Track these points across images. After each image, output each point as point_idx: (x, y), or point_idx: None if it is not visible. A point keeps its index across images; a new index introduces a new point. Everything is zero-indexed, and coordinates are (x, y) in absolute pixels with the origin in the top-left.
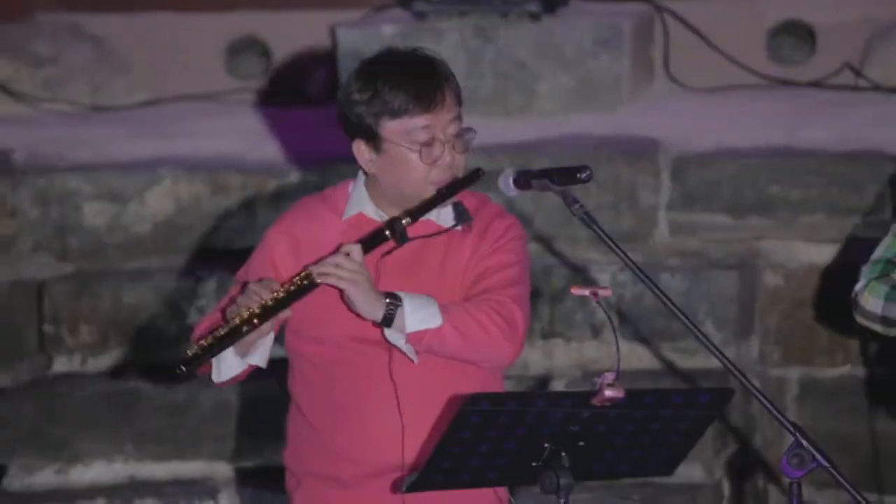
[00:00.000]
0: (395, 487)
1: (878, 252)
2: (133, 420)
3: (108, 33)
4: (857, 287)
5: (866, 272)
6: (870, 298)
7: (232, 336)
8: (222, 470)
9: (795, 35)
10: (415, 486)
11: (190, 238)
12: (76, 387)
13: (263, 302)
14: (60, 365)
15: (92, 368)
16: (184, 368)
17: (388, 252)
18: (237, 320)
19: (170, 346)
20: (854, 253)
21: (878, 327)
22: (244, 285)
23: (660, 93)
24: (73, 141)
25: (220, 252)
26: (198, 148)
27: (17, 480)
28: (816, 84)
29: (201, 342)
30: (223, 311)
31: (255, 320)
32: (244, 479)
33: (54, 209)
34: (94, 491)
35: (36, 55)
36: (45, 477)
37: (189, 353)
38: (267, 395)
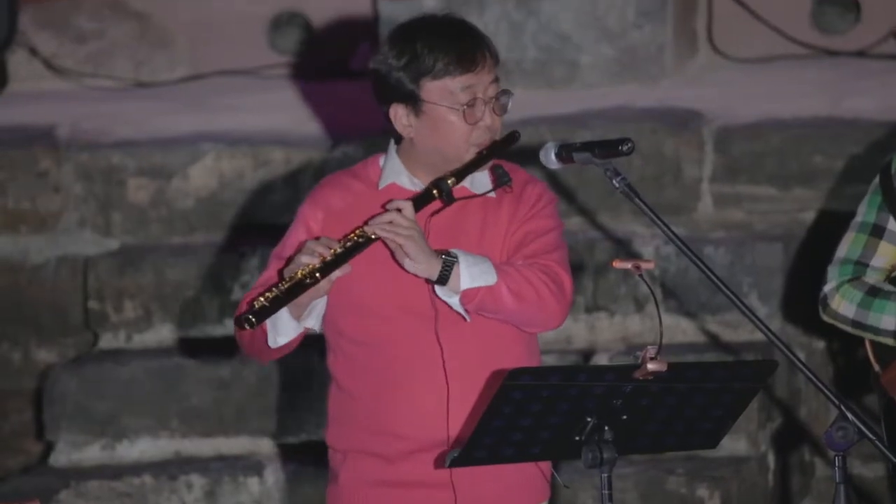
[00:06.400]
0: (440, 462)
1: (843, 250)
2: (178, 396)
3: (150, 8)
4: (827, 288)
5: (835, 272)
6: (842, 303)
7: (295, 290)
8: (267, 446)
9: (839, 4)
10: (458, 461)
11: (233, 213)
12: (121, 363)
13: (323, 257)
14: (106, 341)
15: (137, 344)
16: (253, 320)
17: (437, 211)
18: (299, 274)
19: (213, 322)
20: None
21: (847, 328)
22: (296, 251)
23: (703, 64)
24: (116, 116)
25: (263, 227)
26: (240, 123)
27: (63, 456)
28: (861, 53)
29: (266, 295)
30: (279, 273)
31: (318, 274)
32: (288, 454)
33: (98, 185)
34: (139, 467)
35: (79, 31)
36: (92, 453)
37: (256, 305)
38: (310, 370)
